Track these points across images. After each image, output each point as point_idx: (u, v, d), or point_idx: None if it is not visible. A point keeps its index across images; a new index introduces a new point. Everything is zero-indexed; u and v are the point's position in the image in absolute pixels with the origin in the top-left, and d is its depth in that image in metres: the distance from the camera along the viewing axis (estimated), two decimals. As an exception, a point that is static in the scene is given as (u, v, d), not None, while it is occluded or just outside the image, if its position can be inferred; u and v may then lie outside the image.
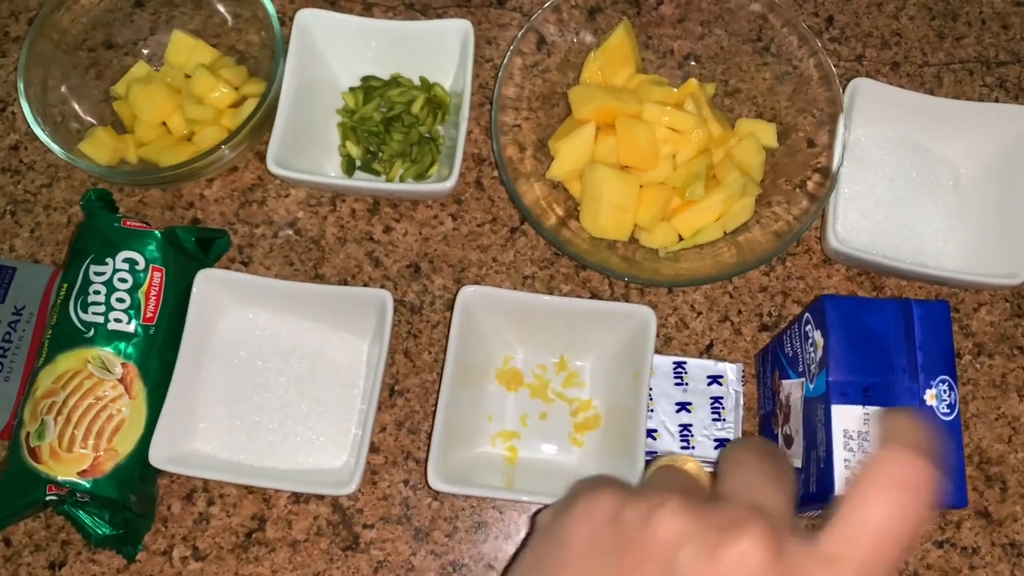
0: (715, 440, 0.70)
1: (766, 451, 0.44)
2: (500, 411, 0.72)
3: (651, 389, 0.71)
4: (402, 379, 0.74)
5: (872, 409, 0.56)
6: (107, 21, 0.81)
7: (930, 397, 0.56)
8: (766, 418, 0.71)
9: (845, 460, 0.55)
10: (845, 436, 0.56)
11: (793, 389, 0.63)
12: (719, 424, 0.71)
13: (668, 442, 0.70)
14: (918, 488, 0.35)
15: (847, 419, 0.56)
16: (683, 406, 0.71)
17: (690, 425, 0.71)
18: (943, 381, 0.56)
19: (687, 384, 0.72)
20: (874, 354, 0.57)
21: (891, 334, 0.57)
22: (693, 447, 0.70)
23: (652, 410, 0.71)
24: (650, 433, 0.70)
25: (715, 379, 0.72)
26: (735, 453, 0.43)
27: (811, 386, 0.59)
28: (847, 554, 0.35)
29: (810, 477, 0.59)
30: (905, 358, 0.57)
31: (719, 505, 0.38)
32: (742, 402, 0.72)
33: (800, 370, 0.61)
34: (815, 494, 0.58)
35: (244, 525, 0.70)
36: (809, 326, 0.60)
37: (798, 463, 0.62)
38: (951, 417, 0.56)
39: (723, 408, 0.71)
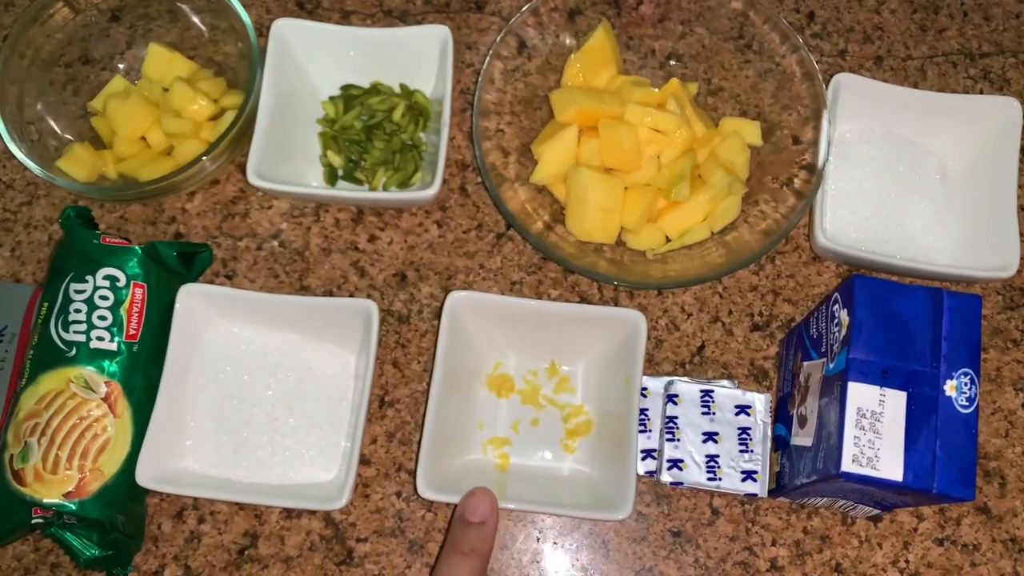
0: (742, 472, 0.69)
1: None
2: (491, 418, 0.71)
3: (676, 418, 0.70)
4: (392, 390, 0.73)
5: (889, 391, 0.55)
6: (83, 36, 0.80)
7: (950, 388, 0.56)
8: (783, 400, 0.70)
9: (855, 438, 0.55)
10: (858, 415, 0.55)
11: (813, 370, 0.63)
12: (747, 456, 0.69)
13: (695, 472, 0.68)
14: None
15: (862, 398, 0.56)
16: (710, 436, 0.69)
17: (717, 456, 0.69)
18: (965, 374, 0.56)
19: (714, 413, 0.70)
20: (898, 338, 0.57)
21: (918, 321, 0.57)
22: (720, 479, 0.68)
23: (679, 439, 0.69)
24: (676, 463, 0.69)
25: (743, 409, 0.70)
26: None
27: (831, 365, 0.59)
28: None
29: (819, 454, 0.59)
30: (930, 346, 0.56)
31: None
32: (770, 433, 0.70)
33: (823, 350, 0.61)
34: (822, 470, 0.58)
35: (236, 542, 0.69)
36: (836, 305, 0.60)
37: (810, 441, 0.61)
38: (970, 410, 0.55)
39: (751, 439, 0.69)
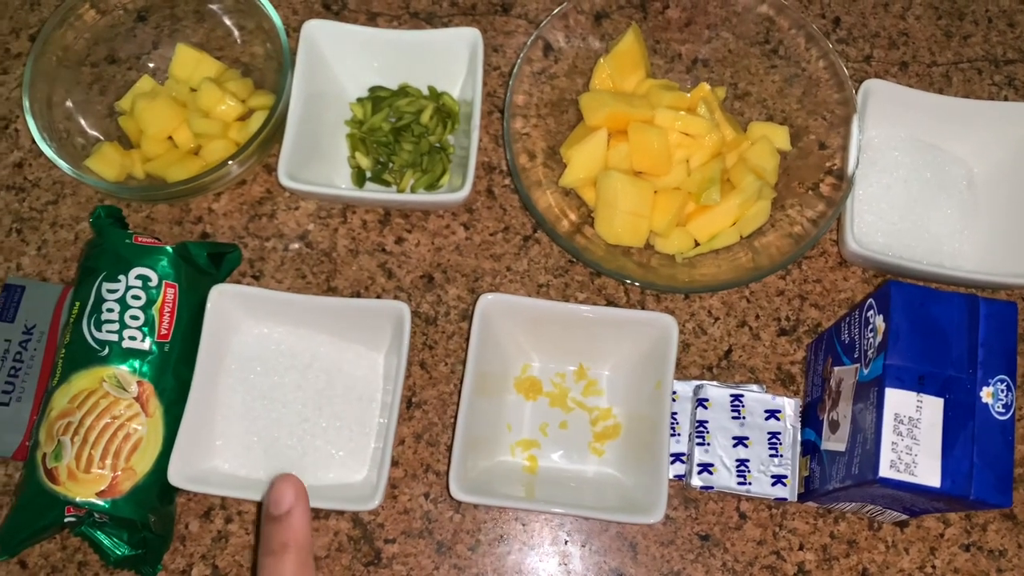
0: (772, 476, 0.69)
1: None
2: (519, 420, 0.71)
3: (707, 422, 0.70)
4: (419, 391, 0.73)
5: (926, 397, 0.55)
6: (110, 36, 0.80)
7: (986, 395, 0.56)
8: (811, 405, 0.70)
9: (893, 444, 0.55)
10: (896, 420, 0.56)
11: (846, 375, 0.63)
12: (776, 460, 0.69)
13: (725, 477, 0.69)
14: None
15: (899, 404, 0.56)
16: (740, 440, 0.70)
17: (747, 460, 0.69)
18: (1002, 380, 0.56)
19: (744, 418, 0.70)
20: (934, 344, 0.57)
21: (954, 327, 0.57)
22: (750, 483, 0.69)
23: (709, 443, 0.70)
24: (707, 467, 0.69)
25: (773, 414, 0.70)
26: None
27: (866, 371, 0.59)
28: None
29: (854, 460, 0.59)
30: (966, 352, 0.57)
31: None
32: (799, 438, 0.70)
33: (856, 356, 0.61)
34: (858, 475, 0.58)
35: (262, 543, 0.69)
36: (871, 311, 0.60)
37: (842, 447, 0.61)
38: (1006, 417, 0.56)
39: (780, 444, 0.69)
